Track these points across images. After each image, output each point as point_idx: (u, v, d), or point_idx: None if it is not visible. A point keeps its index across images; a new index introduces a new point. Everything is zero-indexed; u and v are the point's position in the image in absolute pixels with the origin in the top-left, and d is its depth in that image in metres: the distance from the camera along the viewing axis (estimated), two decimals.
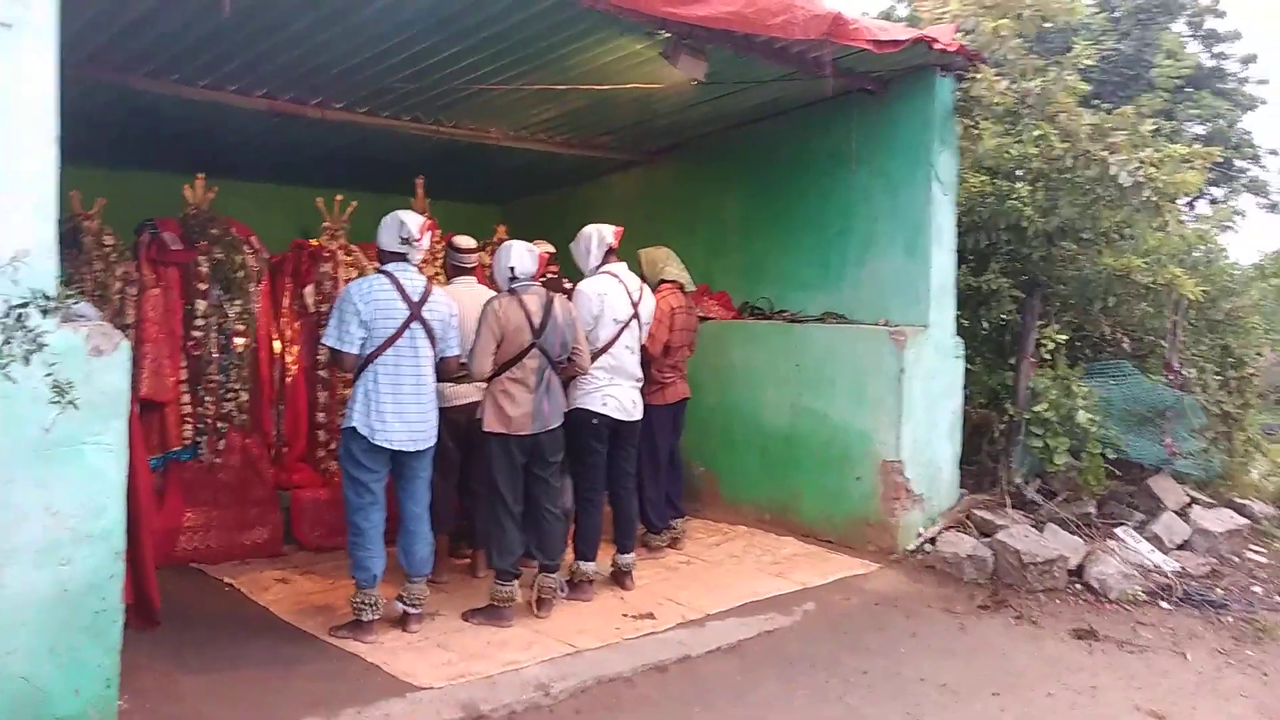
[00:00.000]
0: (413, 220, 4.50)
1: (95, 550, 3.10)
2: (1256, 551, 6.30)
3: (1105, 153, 5.88)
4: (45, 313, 2.49)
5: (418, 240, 4.49)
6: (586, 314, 5.00)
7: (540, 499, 4.76)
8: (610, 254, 5.22)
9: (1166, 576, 5.56)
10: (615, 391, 5.04)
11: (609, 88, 5.90)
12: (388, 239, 4.50)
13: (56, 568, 3.02)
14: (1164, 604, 5.32)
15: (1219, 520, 6.39)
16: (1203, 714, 4.02)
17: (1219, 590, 5.53)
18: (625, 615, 4.82)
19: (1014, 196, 6.72)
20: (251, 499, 5.68)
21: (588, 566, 5.05)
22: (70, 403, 2.60)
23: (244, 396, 5.81)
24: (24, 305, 2.47)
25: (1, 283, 2.51)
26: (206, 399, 5.65)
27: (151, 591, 4.27)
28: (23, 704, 2.98)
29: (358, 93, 5.98)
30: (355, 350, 4.31)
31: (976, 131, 6.50)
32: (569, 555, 5.05)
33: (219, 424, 5.69)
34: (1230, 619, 5.14)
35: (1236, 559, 6.10)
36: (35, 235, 2.93)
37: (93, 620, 3.10)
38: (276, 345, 6.06)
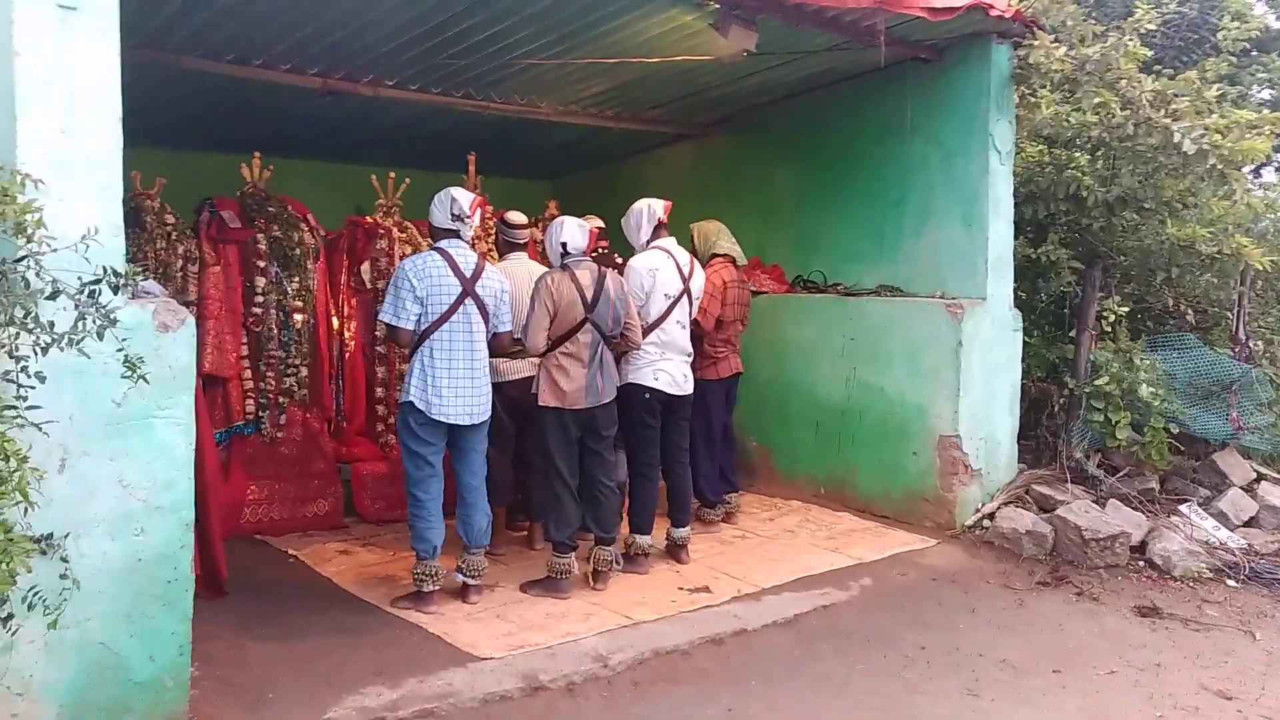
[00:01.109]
0: (464, 197, 4.53)
1: (166, 521, 3.18)
2: None
3: (1168, 120, 5.71)
4: (115, 289, 2.54)
5: (469, 217, 4.52)
6: (637, 289, 4.99)
7: (594, 472, 4.79)
8: (661, 228, 5.20)
9: (1233, 554, 5.44)
10: (667, 366, 5.04)
11: (659, 60, 5.86)
12: (440, 216, 4.53)
13: (130, 538, 3.10)
14: (1230, 582, 5.20)
15: None
16: (1272, 694, 3.93)
17: None
18: (681, 588, 4.84)
19: (1073, 166, 6.58)
20: (313, 472, 5.79)
21: (643, 540, 5.08)
22: (141, 377, 2.66)
23: (304, 372, 5.90)
24: (95, 282, 2.52)
25: (73, 260, 2.56)
26: (267, 374, 5.77)
27: (219, 562, 4.39)
28: (103, 669, 3.08)
29: (408, 70, 6.01)
30: (411, 326, 4.36)
31: (1034, 99, 6.34)
32: (624, 528, 5.07)
33: (280, 399, 5.80)
34: None
35: None
36: (103, 214, 3.00)
37: (165, 589, 3.19)
38: (335, 321, 6.14)
